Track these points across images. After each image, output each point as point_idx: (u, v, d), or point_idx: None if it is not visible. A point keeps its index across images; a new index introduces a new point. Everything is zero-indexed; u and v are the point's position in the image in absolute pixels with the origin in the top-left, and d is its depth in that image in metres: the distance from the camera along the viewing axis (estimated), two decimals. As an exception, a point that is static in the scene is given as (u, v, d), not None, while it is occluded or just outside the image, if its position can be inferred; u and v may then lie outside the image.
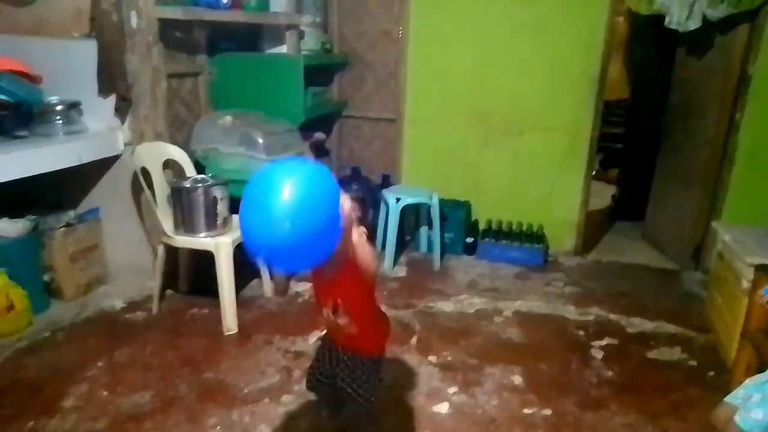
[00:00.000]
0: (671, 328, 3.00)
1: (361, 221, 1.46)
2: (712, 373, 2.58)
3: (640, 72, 5.02)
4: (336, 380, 1.74)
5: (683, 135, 3.91)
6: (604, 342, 2.84)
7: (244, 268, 3.08)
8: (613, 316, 3.11)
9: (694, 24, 3.30)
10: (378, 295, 3.25)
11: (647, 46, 4.82)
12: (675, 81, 4.06)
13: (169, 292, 3.13)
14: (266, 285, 3.18)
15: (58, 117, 2.80)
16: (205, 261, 2.83)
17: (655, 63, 4.60)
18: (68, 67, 2.91)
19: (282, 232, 1.18)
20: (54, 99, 2.81)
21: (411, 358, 2.62)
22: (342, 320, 1.57)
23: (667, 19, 3.36)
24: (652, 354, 2.75)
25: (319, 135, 4.11)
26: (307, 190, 1.23)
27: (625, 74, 5.54)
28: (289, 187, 1.21)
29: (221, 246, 2.70)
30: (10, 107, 2.66)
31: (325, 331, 1.80)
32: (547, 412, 2.27)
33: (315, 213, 1.23)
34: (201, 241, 2.72)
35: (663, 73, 4.25)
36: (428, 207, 3.71)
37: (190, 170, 2.99)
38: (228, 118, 3.19)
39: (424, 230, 3.98)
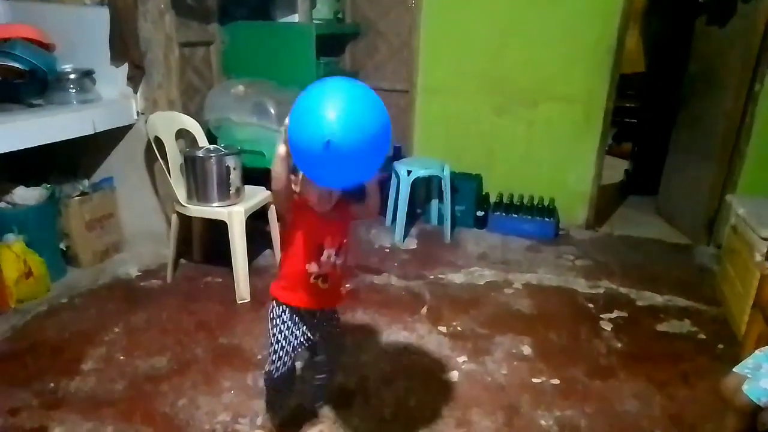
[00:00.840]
0: (682, 301, 3.00)
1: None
2: (721, 346, 2.59)
3: (658, 44, 4.92)
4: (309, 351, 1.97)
5: (701, 107, 3.84)
6: (613, 314, 2.85)
7: (257, 237, 3.11)
8: (623, 289, 3.12)
9: (715, -9, 3.22)
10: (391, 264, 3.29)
11: (665, 16, 4.71)
12: (694, 51, 3.97)
13: (183, 261, 3.17)
14: (278, 255, 3.21)
15: (72, 85, 2.81)
16: (218, 230, 2.86)
17: (672, 34, 4.49)
18: (81, 34, 2.89)
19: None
20: (67, 67, 2.81)
21: (421, 328, 2.65)
22: (340, 260, 1.65)
23: (687, -13, 3.27)
24: (661, 326, 2.76)
25: (330, 106, 4.09)
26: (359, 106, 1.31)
27: (641, 46, 5.43)
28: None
29: (234, 215, 2.72)
30: (26, 75, 2.67)
31: (285, 317, 1.73)
32: (556, 380, 2.30)
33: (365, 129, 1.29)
34: (214, 210, 2.75)
35: (680, 45, 4.16)
36: (439, 179, 3.70)
37: (202, 140, 3.00)
38: (240, 88, 3.18)
39: (435, 203, 3.98)
